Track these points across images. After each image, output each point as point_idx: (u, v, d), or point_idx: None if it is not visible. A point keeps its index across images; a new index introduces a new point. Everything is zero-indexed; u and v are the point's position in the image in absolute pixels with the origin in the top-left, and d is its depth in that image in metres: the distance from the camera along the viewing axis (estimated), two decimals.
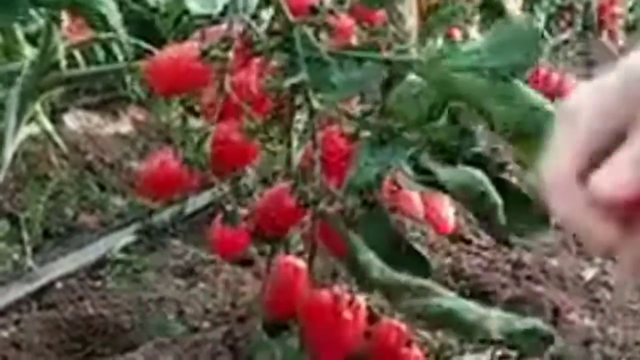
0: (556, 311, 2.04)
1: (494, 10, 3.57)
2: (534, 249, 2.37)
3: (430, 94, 1.00)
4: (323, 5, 1.03)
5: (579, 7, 5.70)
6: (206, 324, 1.98)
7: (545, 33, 4.99)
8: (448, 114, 1.00)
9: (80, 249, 2.35)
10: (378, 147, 1.00)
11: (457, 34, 3.44)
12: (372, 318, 1.13)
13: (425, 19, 2.79)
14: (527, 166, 1.01)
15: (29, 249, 2.26)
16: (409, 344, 1.15)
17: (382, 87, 1.06)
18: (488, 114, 0.98)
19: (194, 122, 1.05)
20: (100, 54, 2.55)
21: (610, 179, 0.47)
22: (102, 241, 2.39)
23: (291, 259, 1.10)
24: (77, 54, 2.17)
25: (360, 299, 1.10)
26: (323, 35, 1.04)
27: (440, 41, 2.93)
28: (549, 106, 0.94)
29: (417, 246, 1.12)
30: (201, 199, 2.45)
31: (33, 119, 1.77)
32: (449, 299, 0.96)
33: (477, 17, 3.39)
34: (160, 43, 1.31)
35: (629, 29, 5.90)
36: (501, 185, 1.01)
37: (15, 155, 2.22)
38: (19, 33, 1.67)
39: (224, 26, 1.01)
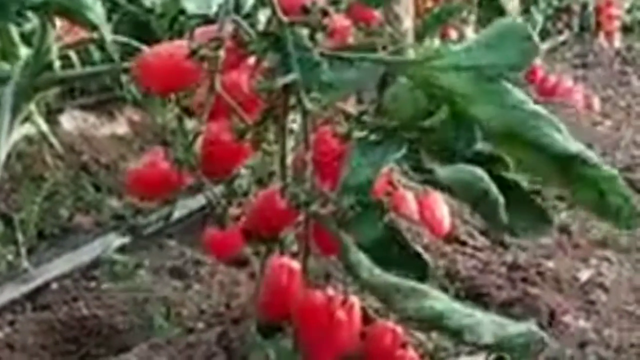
0: (552, 313, 2.04)
1: (491, 10, 3.58)
2: (530, 251, 2.37)
3: (418, 95, 1.00)
4: (315, 6, 1.02)
5: (576, 8, 5.71)
6: (201, 325, 1.98)
7: (543, 34, 4.99)
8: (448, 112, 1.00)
9: (75, 250, 2.35)
10: (371, 146, 0.99)
11: (454, 34, 3.45)
12: (366, 319, 1.12)
13: (422, 19, 2.79)
14: (515, 166, 1.01)
15: (23, 250, 2.26)
16: (404, 345, 1.14)
17: (377, 87, 1.06)
18: (473, 114, 0.97)
19: (190, 123, 1.05)
20: (96, 55, 2.54)
21: None
22: (97, 242, 2.39)
23: (285, 260, 1.10)
24: (72, 54, 2.17)
25: (355, 300, 1.10)
26: (319, 35, 1.04)
27: (436, 41, 2.93)
28: (537, 107, 0.94)
29: (417, 247, 1.12)
30: (197, 200, 2.45)
31: (28, 119, 1.77)
32: (442, 302, 0.95)
33: (473, 18, 3.39)
34: (156, 44, 1.31)
35: (626, 30, 5.91)
36: (502, 183, 1.01)
37: (10, 156, 2.22)
38: (15, 34, 1.67)
39: (215, 26, 1.01)
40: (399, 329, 1.11)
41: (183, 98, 1.04)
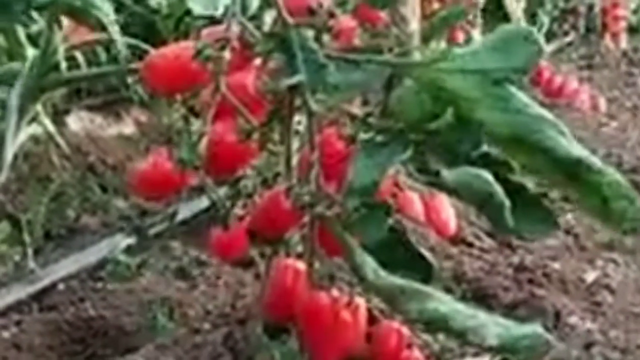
0: (558, 314, 2.04)
1: (497, 13, 3.58)
2: (536, 252, 2.37)
3: (424, 97, 1.00)
4: (321, 7, 1.02)
5: (582, 10, 5.70)
6: (207, 326, 1.98)
7: (549, 36, 4.99)
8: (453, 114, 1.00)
9: (82, 251, 2.35)
10: (377, 148, 1.00)
11: (461, 36, 3.44)
12: (372, 320, 1.13)
13: (429, 21, 2.79)
14: (520, 169, 1.01)
15: (30, 251, 2.26)
16: (409, 346, 1.14)
17: (383, 89, 1.06)
18: (479, 117, 0.97)
19: (197, 124, 1.05)
20: (103, 56, 2.55)
21: None
22: (104, 243, 2.39)
23: (290, 261, 1.10)
24: (79, 55, 2.17)
25: (361, 301, 1.10)
26: (325, 37, 1.05)
27: (443, 44, 2.93)
28: (542, 111, 0.94)
29: (422, 249, 1.12)
30: (203, 201, 2.45)
31: (35, 119, 1.77)
32: (446, 304, 0.95)
33: (479, 20, 3.39)
34: (162, 45, 1.31)
35: (632, 31, 5.90)
36: (508, 186, 1.01)
37: (17, 157, 2.22)
38: (21, 35, 1.67)
39: (221, 27, 1.01)
40: (405, 330, 1.12)
41: (189, 99, 1.04)
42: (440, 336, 1.75)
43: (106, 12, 1.42)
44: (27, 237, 2.29)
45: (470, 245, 2.36)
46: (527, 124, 0.95)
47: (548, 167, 0.94)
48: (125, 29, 1.61)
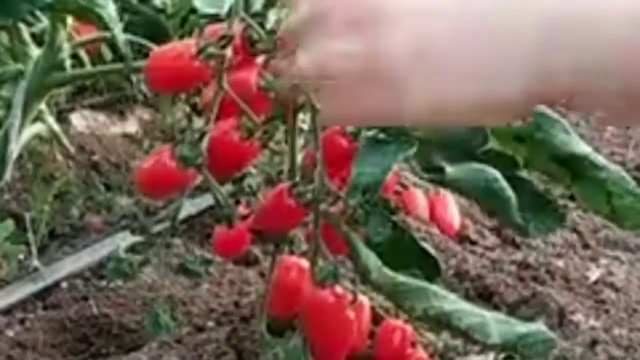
0: (561, 312, 2.04)
1: None
2: (540, 250, 2.37)
3: None
4: None
5: None
6: (210, 324, 1.98)
7: None
8: None
9: (86, 249, 2.35)
10: (381, 145, 1.00)
11: None
12: (376, 318, 1.13)
13: None
14: (524, 166, 1.01)
15: (34, 249, 2.26)
16: (413, 344, 1.14)
17: None
18: None
19: (200, 122, 1.05)
20: (107, 54, 2.55)
21: None
22: (108, 241, 2.39)
23: (294, 259, 1.10)
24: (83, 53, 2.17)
25: (364, 299, 1.10)
26: None
27: None
28: (546, 108, 0.94)
29: (426, 246, 1.12)
30: (206, 199, 2.45)
31: (39, 118, 1.77)
32: (450, 302, 0.95)
33: None
34: (167, 43, 1.31)
35: None
36: (514, 183, 1.01)
37: (21, 155, 2.22)
38: (26, 33, 1.67)
39: (224, 25, 1.01)
40: (409, 328, 1.12)
41: (193, 96, 1.04)
42: (444, 334, 1.75)
43: (110, 11, 1.42)
44: (31, 236, 2.29)
45: (474, 242, 2.36)
46: (530, 122, 0.95)
47: (552, 165, 0.94)
48: (129, 28, 1.61)
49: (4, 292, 2.13)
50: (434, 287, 0.97)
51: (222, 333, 1.85)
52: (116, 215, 2.60)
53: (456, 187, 1.08)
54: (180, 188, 1.03)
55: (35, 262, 2.21)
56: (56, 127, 1.92)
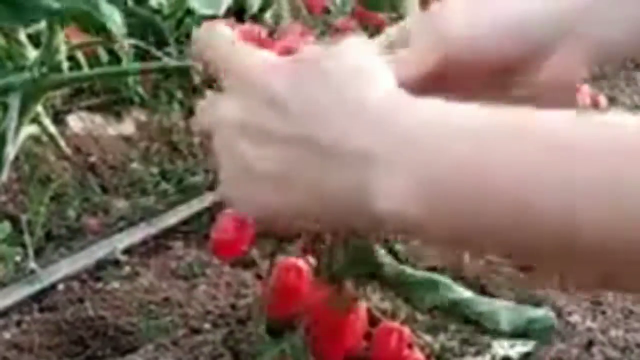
0: (558, 313, 2.04)
1: None
2: None
3: None
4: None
5: None
6: (207, 326, 1.98)
7: None
8: None
9: (82, 251, 2.35)
10: None
11: None
12: (373, 320, 1.13)
13: None
14: None
15: (31, 251, 2.26)
16: (410, 346, 1.14)
17: None
18: None
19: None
20: (104, 56, 2.55)
21: None
22: (104, 243, 2.39)
23: (292, 260, 1.10)
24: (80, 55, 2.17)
25: (362, 301, 1.10)
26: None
27: None
28: None
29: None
30: (204, 201, 2.45)
31: (35, 120, 1.77)
32: (458, 292, 0.96)
33: None
34: (162, 44, 1.31)
35: None
36: None
37: (17, 157, 2.22)
38: (23, 35, 1.67)
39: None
40: (405, 330, 1.12)
41: (189, 98, 1.04)
42: (441, 336, 1.75)
43: (117, 20, 1.42)
44: (27, 238, 2.29)
45: None
46: None
47: None
48: (125, 29, 1.61)
49: (0, 294, 2.13)
50: (442, 278, 0.97)
51: (219, 335, 1.85)
52: (113, 217, 2.60)
53: None
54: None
55: (32, 264, 2.21)
56: (53, 128, 1.92)
